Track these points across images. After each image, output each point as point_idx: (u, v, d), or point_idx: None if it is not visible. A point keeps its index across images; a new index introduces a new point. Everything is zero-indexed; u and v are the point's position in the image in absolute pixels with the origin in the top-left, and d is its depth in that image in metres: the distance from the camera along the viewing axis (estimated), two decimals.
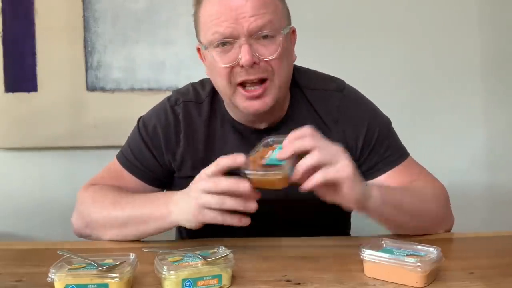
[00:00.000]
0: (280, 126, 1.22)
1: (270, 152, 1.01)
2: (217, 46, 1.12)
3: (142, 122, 1.29)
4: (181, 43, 1.93)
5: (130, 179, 1.26)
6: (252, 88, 1.13)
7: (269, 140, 1.05)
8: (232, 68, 1.12)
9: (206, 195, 1.00)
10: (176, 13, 1.92)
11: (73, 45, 1.93)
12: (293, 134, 0.98)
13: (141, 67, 1.94)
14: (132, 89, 1.94)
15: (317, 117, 1.23)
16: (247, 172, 0.96)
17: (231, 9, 1.09)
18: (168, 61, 1.94)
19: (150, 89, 1.93)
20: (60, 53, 1.92)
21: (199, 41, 1.19)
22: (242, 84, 1.13)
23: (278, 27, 1.12)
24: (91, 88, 1.94)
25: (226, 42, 1.11)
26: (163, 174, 1.27)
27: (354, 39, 1.94)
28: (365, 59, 1.94)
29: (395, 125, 1.28)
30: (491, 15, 1.97)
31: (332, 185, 0.96)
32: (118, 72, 1.94)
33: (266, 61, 1.11)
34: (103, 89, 1.94)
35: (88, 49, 1.93)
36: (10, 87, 1.93)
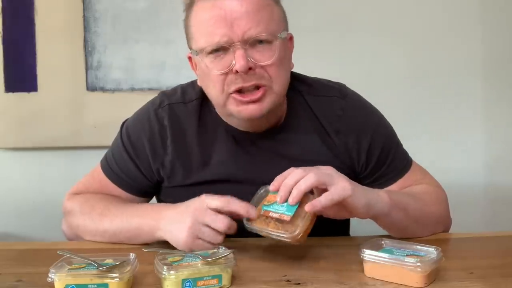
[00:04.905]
0: (279, 133, 1.19)
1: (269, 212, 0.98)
2: (210, 52, 1.07)
3: (126, 131, 1.23)
4: (181, 43, 1.86)
5: (116, 190, 1.23)
6: (249, 92, 1.07)
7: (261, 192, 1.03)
8: (226, 75, 1.07)
9: (204, 227, 1.00)
10: (176, 13, 1.88)
11: (73, 45, 1.92)
12: (278, 178, 0.99)
13: (141, 67, 1.94)
14: (132, 89, 1.94)
15: (318, 124, 1.19)
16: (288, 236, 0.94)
17: (225, 15, 1.04)
18: (168, 61, 1.93)
19: (150, 89, 1.92)
20: (60, 53, 1.92)
21: (190, 48, 1.14)
22: (237, 91, 1.07)
23: (275, 31, 1.07)
24: (91, 88, 1.94)
25: (219, 49, 1.06)
26: (150, 185, 1.23)
27: (354, 39, 1.94)
28: (366, 59, 1.94)
29: (395, 125, 1.27)
30: (492, 16, 1.96)
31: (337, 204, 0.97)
32: (118, 72, 1.94)
33: (262, 67, 1.06)
34: (103, 89, 1.94)
35: (88, 49, 1.93)
36: (10, 87, 1.92)
